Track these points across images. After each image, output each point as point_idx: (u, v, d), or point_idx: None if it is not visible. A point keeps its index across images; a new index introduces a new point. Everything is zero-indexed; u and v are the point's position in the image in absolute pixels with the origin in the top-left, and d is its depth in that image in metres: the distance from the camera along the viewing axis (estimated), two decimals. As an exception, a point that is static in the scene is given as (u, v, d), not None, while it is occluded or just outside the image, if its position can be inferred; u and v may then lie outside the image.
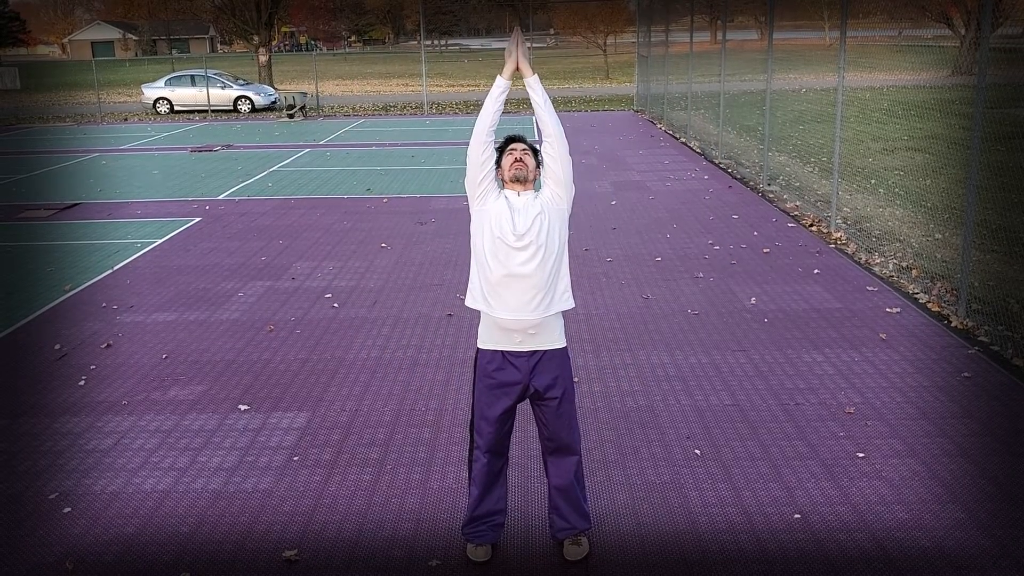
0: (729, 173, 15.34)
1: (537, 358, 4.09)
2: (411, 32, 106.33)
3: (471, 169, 4.08)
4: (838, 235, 10.41)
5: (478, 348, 4.19)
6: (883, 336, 7.19)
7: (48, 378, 6.72)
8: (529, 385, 4.11)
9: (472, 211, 4.14)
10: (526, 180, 4.09)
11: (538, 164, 4.17)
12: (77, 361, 7.05)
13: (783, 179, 14.27)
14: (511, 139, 4.23)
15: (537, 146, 4.22)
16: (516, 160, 4.09)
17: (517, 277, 3.98)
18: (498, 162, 4.14)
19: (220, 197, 14.14)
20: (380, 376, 6.62)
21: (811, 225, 11.10)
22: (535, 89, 4.07)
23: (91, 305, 8.50)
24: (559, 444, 4.20)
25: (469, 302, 4.17)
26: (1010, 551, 4.28)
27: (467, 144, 4.10)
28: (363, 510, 4.77)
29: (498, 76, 4.10)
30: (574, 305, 4.19)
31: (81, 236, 11.51)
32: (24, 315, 8.23)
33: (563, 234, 4.11)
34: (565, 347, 4.18)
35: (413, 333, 7.54)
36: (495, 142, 4.14)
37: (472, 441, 4.27)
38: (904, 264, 9.15)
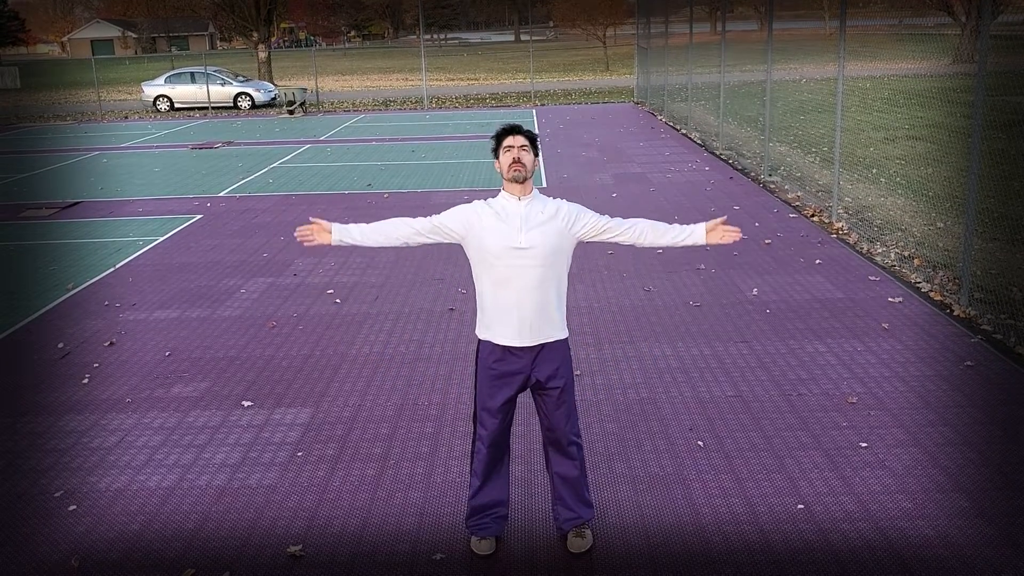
0: (730, 164, 15.32)
1: (539, 349, 4.09)
2: (410, 27, 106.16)
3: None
4: (839, 225, 10.40)
5: (479, 339, 4.18)
6: (885, 326, 7.19)
7: (51, 377, 6.74)
8: (531, 375, 4.10)
9: (468, 253, 4.12)
10: (525, 180, 4.00)
11: (535, 156, 4.10)
12: (80, 359, 7.06)
13: (784, 170, 14.25)
14: (508, 131, 4.04)
15: (536, 137, 4.13)
16: (515, 161, 3.97)
17: (519, 291, 3.96)
18: (495, 152, 4.06)
19: (221, 194, 14.15)
20: (383, 371, 6.63)
21: (812, 215, 11.09)
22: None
23: (93, 303, 8.51)
24: (560, 434, 4.20)
25: (478, 331, 4.18)
26: (1013, 539, 4.28)
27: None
28: (367, 505, 4.78)
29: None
30: (567, 335, 4.17)
31: (82, 235, 11.52)
32: (26, 314, 8.25)
33: (567, 258, 4.08)
34: (566, 337, 4.17)
35: (415, 328, 7.54)
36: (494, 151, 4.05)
37: (475, 432, 4.27)
38: (906, 253, 9.14)
